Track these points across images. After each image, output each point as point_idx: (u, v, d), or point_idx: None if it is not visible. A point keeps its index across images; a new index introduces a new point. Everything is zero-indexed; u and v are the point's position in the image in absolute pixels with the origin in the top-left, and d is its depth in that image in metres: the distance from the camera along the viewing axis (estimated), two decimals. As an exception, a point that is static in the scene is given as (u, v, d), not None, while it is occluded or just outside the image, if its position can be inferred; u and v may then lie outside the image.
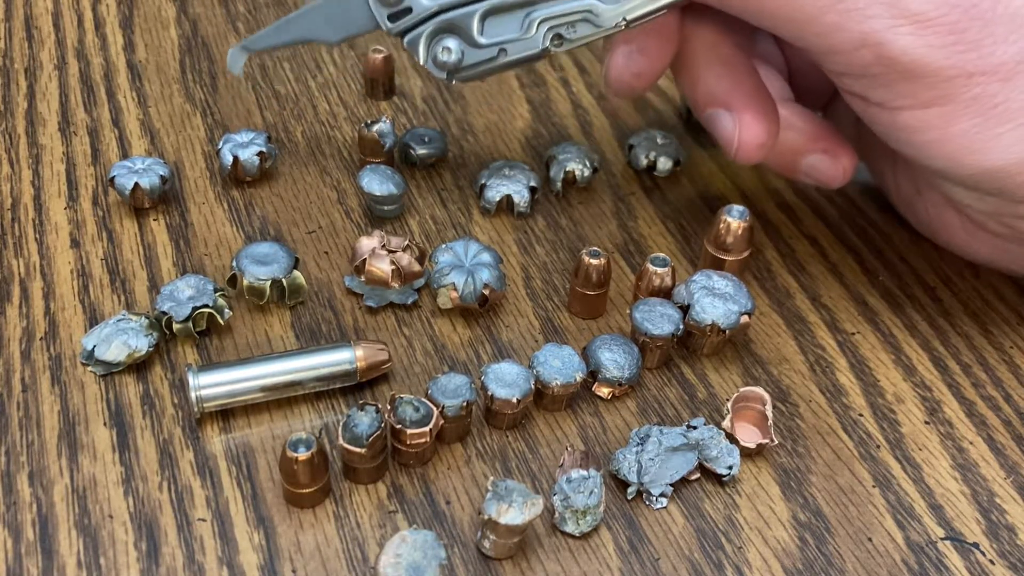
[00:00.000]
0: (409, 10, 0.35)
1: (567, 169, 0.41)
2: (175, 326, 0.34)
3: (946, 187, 0.34)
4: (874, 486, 0.33)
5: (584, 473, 0.30)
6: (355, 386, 0.34)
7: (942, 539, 0.31)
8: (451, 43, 0.35)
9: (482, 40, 0.35)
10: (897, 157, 0.37)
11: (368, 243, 0.37)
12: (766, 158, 0.36)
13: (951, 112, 0.30)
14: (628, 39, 0.35)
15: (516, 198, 0.40)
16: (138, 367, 0.34)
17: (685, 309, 0.35)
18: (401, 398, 0.31)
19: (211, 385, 0.32)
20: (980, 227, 0.35)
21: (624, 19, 0.33)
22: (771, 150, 0.35)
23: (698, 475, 0.32)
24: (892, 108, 0.31)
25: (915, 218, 0.38)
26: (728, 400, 0.33)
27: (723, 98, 0.35)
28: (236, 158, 0.40)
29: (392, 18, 0.36)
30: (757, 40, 0.39)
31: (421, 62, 0.36)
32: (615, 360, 0.33)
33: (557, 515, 0.30)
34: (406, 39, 0.36)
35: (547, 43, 0.34)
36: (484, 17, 0.35)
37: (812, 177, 0.37)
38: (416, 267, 0.37)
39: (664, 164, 0.42)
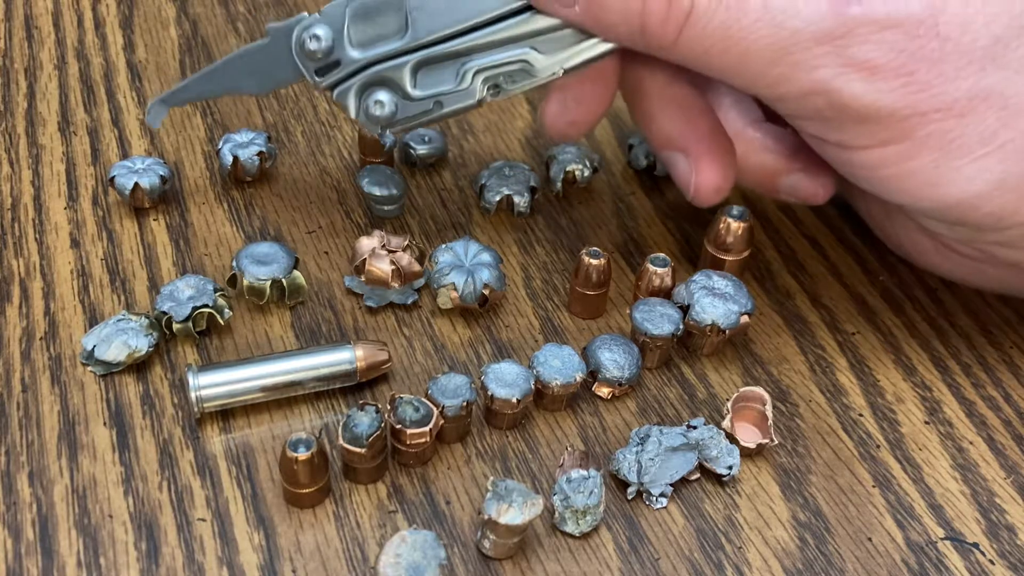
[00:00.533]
0: (337, 63, 0.34)
1: (567, 169, 0.41)
2: (175, 326, 0.34)
3: (915, 216, 0.34)
4: (874, 486, 0.33)
5: (584, 473, 0.30)
6: (355, 386, 0.34)
7: (942, 539, 0.31)
8: (383, 96, 0.34)
9: (416, 93, 0.33)
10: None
11: (368, 243, 0.37)
12: (725, 197, 0.35)
13: (908, 149, 0.30)
14: (563, 87, 0.34)
15: (516, 198, 0.40)
16: (138, 367, 0.34)
17: (685, 309, 0.35)
18: (401, 398, 0.31)
19: (211, 385, 0.32)
20: (953, 251, 0.35)
21: (562, 67, 0.32)
22: (727, 192, 0.35)
23: (698, 475, 0.32)
24: (849, 148, 0.31)
25: (889, 241, 0.38)
26: (728, 400, 0.33)
27: (678, 141, 0.34)
28: (236, 158, 0.40)
29: (319, 72, 0.34)
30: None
31: (352, 116, 0.34)
32: (615, 360, 0.33)
33: (557, 515, 0.30)
34: (335, 93, 0.34)
35: (484, 93, 0.33)
36: (416, 69, 0.33)
37: (793, 196, 0.37)
38: (416, 267, 0.37)
39: (664, 164, 0.42)
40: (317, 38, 0.33)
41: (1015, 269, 0.34)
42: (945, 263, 0.36)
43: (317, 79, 0.34)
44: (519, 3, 0.32)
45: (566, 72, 0.33)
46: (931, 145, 0.30)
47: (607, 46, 0.32)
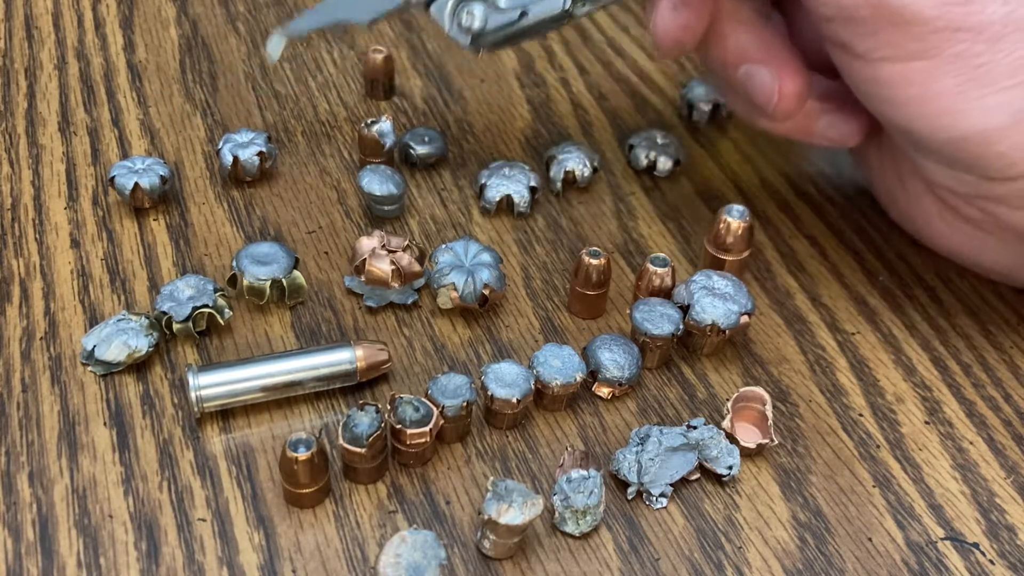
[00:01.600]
0: None
1: (567, 169, 0.41)
2: (175, 326, 0.34)
3: (925, 167, 0.34)
4: (874, 486, 0.33)
5: (584, 473, 0.30)
6: (355, 386, 0.34)
7: (942, 539, 0.31)
8: (475, 8, 0.35)
9: (504, 2, 0.35)
10: (882, 141, 0.37)
11: (368, 243, 0.37)
12: (799, 112, 0.35)
13: (934, 68, 0.30)
14: None
15: (516, 198, 0.40)
16: (138, 367, 0.34)
17: (685, 309, 0.35)
18: (401, 398, 0.31)
19: (211, 385, 0.32)
20: (957, 214, 0.35)
21: None
22: (804, 104, 0.35)
23: (698, 475, 0.32)
24: (874, 60, 0.31)
25: (895, 208, 0.38)
26: (728, 400, 0.33)
27: (757, 54, 0.35)
28: (236, 158, 0.40)
29: None
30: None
31: (446, 30, 0.36)
32: (615, 360, 0.33)
33: (557, 515, 0.30)
34: (432, 7, 0.36)
35: (567, 3, 0.34)
36: None
37: (828, 138, 0.37)
38: (416, 267, 0.37)
39: (664, 164, 0.42)
40: None
41: (1016, 237, 0.34)
42: (947, 232, 0.36)
43: None
44: None
45: None
46: (957, 67, 0.30)
47: None
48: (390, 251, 0.36)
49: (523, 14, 0.35)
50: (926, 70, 0.30)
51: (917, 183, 0.36)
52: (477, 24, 0.35)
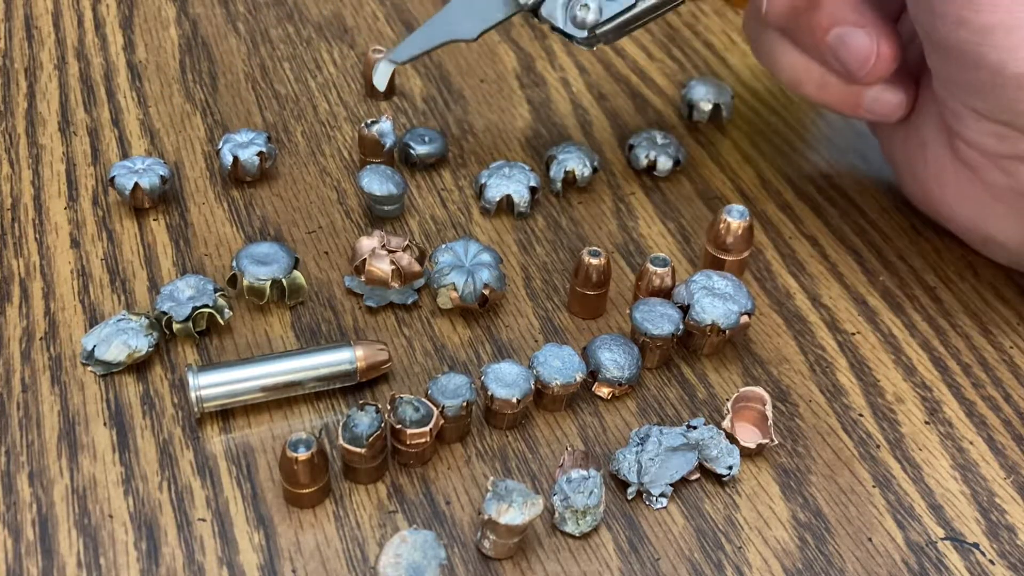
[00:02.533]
0: None
1: (567, 169, 0.41)
2: (175, 326, 0.34)
3: (965, 120, 0.34)
4: (874, 486, 0.33)
5: (584, 473, 0.30)
6: (355, 386, 0.34)
7: (942, 539, 0.31)
8: (588, 0, 0.35)
9: None
10: (921, 102, 0.37)
11: (368, 243, 0.37)
12: (890, 74, 0.36)
13: None
14: None
15: (516, 198, 0.40)
16: (138, 367, 0.34)
17: (685, 309, 0.35)
18: (401, 398, 0.31)
19: (211, 385, 0.32)
20: (976, 181, 0.35)
21: None
22: (897, 65, 0.35)
23: (698, 475, 0.32)
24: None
25: (910, 176, 0.38)
26: (728, 400, 0.33)
27: (852, 16, 0.35)
28: (236, 158, 0.40)
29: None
30: None
31: (560, 25, 0.36)
32: (615, 360, 0.33)
33: (557, 515, 0.30)
34: (542, 8, 0.36)
35: None
36: None
37: (874, 112, 0.37)
38: (416, 267, 0.37)
39: (664, 164, 0.42)
40: None
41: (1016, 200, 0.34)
42: (959, 201, 0.36)
43: (523, 1, 0.36)
44: None
45: None
46: None
47: None
48: (390, 251, 0.36)
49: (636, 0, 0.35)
50: None
51: (940, 147, 0.36)
52: (591, 17, 0.35)
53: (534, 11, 0.36)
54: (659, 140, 0.43)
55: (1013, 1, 0.30)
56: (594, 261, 0.36)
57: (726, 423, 0.33)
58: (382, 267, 0.36)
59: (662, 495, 0.31)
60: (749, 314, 0.34)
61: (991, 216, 0.36)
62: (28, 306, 0.36)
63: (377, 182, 0.39)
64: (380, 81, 0.39)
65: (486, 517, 0.28)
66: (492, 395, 0.32)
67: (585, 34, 0.36)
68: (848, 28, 0.35)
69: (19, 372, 0.34)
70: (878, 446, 0.34)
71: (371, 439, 0.30)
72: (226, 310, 0.35)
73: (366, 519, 0.31)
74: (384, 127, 0.41)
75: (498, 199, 0.40)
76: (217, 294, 0.35)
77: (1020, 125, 0.32)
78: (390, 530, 0.30)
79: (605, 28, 0.36)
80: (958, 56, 0.32)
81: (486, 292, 0.35)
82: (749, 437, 0.33)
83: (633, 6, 0.35)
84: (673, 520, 0.31)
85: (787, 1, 0.35)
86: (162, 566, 0.29)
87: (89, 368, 0.34)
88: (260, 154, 0.40)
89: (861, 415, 0.35)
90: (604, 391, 0.34)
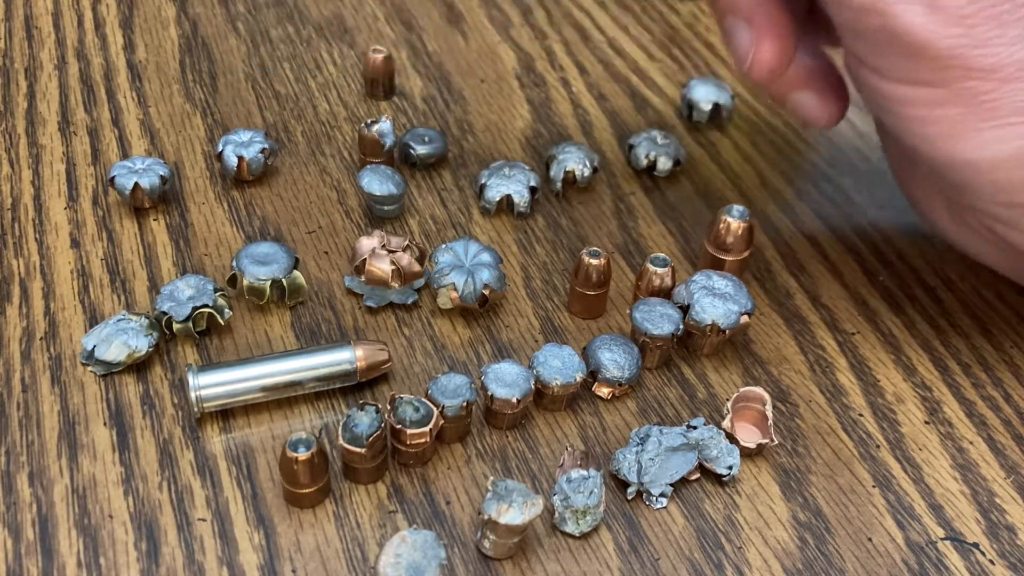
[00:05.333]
0: None
1: (567, 169, 0.41)
2: (175, 326, 0.34)
3: (930, 174, 0.34)
4: (874, 486, 0.33)
5: (584, 473, 0.30)
6: (355, 386, 0.34)
7: (942, 539, 0.31)
8: None
9: None
10: None
11: (368, 243, 0.37)
12: (771, 82, 0.35)
13: (941, 96, 0.30)
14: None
15: (516, 198, 0.40)
16: (138, 367, 0.34)
17: (685, 309, 0.35)
18: (401, 398, 0.31)
19: (211, 385, 0.32)
20: (963, 219, 0.35)
21: None
22: (781, 74, 0.34)
23: (698, 475, 0.32)
24: (884, 77, 0.31)
25: (912, 200, 0.38)
26: (728, 400, 0.33)
27: (745, 10, 0.34)
28: (241, 158, 0.40)
29: None
30: None
31: None
32: (615, 360, 0.33)
33: (557, 515, 0.30)
34: None
35: None
36: None
37: (798, 114, 0.36)
38: (416, 267, 0.37)
39: (664, 164, 0.42)
40: None
41: (1011, 250, 0.34)
42: (956, 230, 0.35)
43: None
44: None
45: None
46: (964, 99, 0.29)
47: None
48: (390, 251, 0.36)
49: None
50: (932, 96, 0.30)
51: (929, 182, 0.35)
52: None
53: None
54: (659, 140, 0.43)
55: (931, 100, 0.30)
56: (594, 261, 0.36)
57: (726, 423, 0.33)
58: (382, 267, 0.36)
59: (662, 495, 0.31)
60: (749, 314, 0.34)
61: (984, 249, 0.36)
62: (28, 306, 0.36)
63: (377, 182, 0.39)
64: None
65: (486, 517, 0.28)
66: (492, 395, 0.32)
67: None
68: (736, 20, 0.34)
69: (19, 372, 0.34)
70: (878, 446, 0.34)
71: (371, 439, 0.30)
72: (226, 310, 0.35)
73: (366, 519, 0.31)
74: (384, 127, 0.41)
75: (498, 199, 0.40)
76: (217, 294, 0.35)
77: (966, 194, 0.32)
78: (390, 530, 0.30)
79: None
80: (888, 132, 0.33)
81: (486, 292, 0.35)
82: (749, 437, 0.33)
83: None
84: (673, 520, 0.31)
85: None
86: (162, 566, 0.29)
87: (89, 368, 0.34)
88: (264, 151, 0.40)
89: (861, 415, 0.35)
90: (604, 391, 0.34)
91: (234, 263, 0.35)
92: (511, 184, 0.40)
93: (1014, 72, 0.29)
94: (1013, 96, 0.29)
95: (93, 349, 0.33)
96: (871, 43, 0.30)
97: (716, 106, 0.45)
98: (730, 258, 0.38)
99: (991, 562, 0.31)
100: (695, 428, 0.32)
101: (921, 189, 0.36)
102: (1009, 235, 0.33)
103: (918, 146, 0.31)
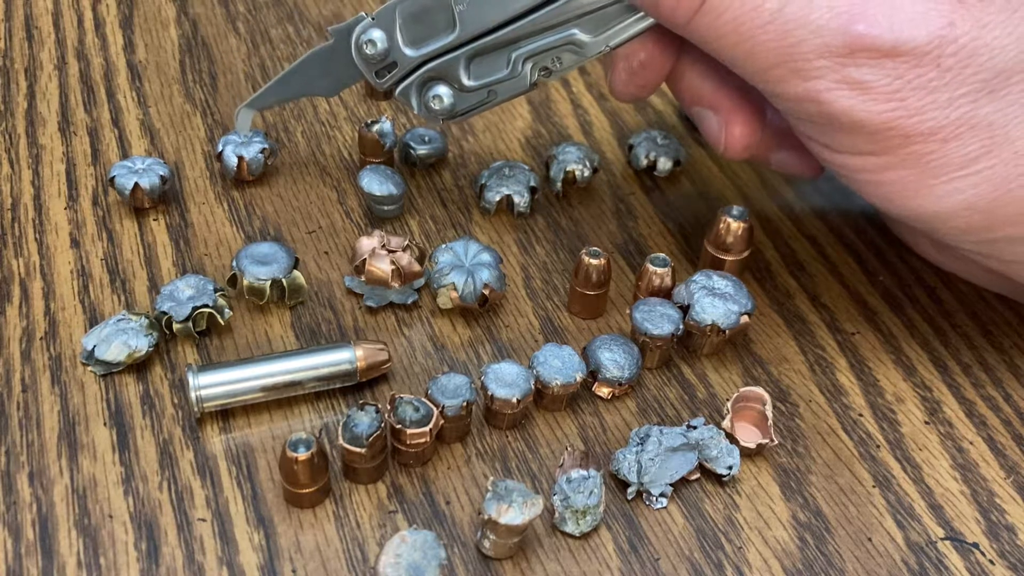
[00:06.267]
0: (394, 64, 0.36)
1: (567, 169, 0.41)
2: (175, 326, 0.34)
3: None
4: (874, 486, 0.33)
5: (584, 473, 0.30)
6: (355, 386, 0.34)
7: (942, 539, 0.31)
8: (441, 90, 0.36)
9: (471, 84, 0.36)
10: None
11: (368, 243, 0.37)
12: (752, 153, 0.36)
13: (887, 162, 0.31)
14: (627, 55, 0.34)
15: (516, 198, 0.40)
16: (138, 367, 0.34)
17: (685, 309, 0.35)
18: (401, 398, 0.31)
19: (211, 385, 0.32)
20: (945, 247, 0.36)
21: (607, 45, 0.34)
22: (755, 149, 0.35)
23: (698, 475, 0.32)
24: (833, 150, 0.32)
25: (899, 235, 0.39)
26: (728, 400, 0.33)
27: (708, 99, 0.35)
28: (241, 158, 0.40)
29: (379, 74, 0.36)
30: None
31: (415, 111, 0.37)
32: (615, 360, 0.33)
33: (557, 515, 0.30)
34: (397, 91, 0.36)
35: (535, 77, 0.35)
36: (469, 61, 0.35)
37: (784, 170, 0.38)
38: (416, 267, 0.37)
39: (664, 164, 0.42)
40: (373, 43, 0.36)
41: (996, 275, 0.35)
42: (941, 257, 0.37)
43: (378, 80, 0.36)
44: None
45: (612, 49, 0.34)
46: (910, 162, 0.30)
47: (650, 20, 0.33)
48: (390, 251, 0.36)
49: (491, 92, 0.36)
50: (880, 163, 0.31)
51: (908, 225, 0.36)
52: (446, 106, 0.36)
53: (387, 95, 0.37)
54: (659, 140, 0.43)
55: (878, 167, 0.31)
56: (594, 261, 0.36)
57: (726, 423, 0.33)
58: (382, 267, 0.36)
59: (662, 495, 0.31)
60: (749, 314, 0.34)
61: (968, 272, 0.37)
62: (28, 306, 0.36)
63: (377, 182, 0.39)
64: (242, 125, 0.40)
65: (486, 517, 0.28)
66: (492, 395, 0.32)
67: (440, 121, 0.37)
68: (702, 109, 0.35)
69: (19, 372, 0.34)
70: (878, 446, 0.34)
71: (371, 439, 0.30)
72: (226, 310, 0.35)
73: (366, 519, 0.31)
74: (384, 127, 0.41)
75: (498, 199, 0.40)
76: (217, 294, 0.35)
77: (936, 234, 0.33)
78: (390, 530, 0.30)
79: (460, 117, 0.37)
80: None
81: (486, 292, 0.35)
82: (749, 437, 0.33)
83: (486, 100, 0.36)
84: (673, 520, 0.31)
85: (629, 96, 0.35)
86: (162, 566, 0.29)
87: (89, 368, 0.34)
88: (264, 151, 0.40)
89: (861, 415, 0.35)
90: (604, 391, 0.34)
91: (234, 263, 0.35)
92: (511, 184, 0.40)
93: (953, 131, 0.30)
94: (956, 152, 0.30)
95: (93, 349, 0.33)
96: (814, 125, 0.31)
97: (716, 106, 0.45)
98: (730, 258, 0.38)
99: (991, 562, 0.31)
100: (695, 428, 0.32)
101: (903, 227, 0.38)
102: (990, 264, 0.34)
103: (878, 205, 0.33)
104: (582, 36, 0.34)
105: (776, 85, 0.31)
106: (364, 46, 0.36)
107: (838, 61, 0.29)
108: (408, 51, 0.35)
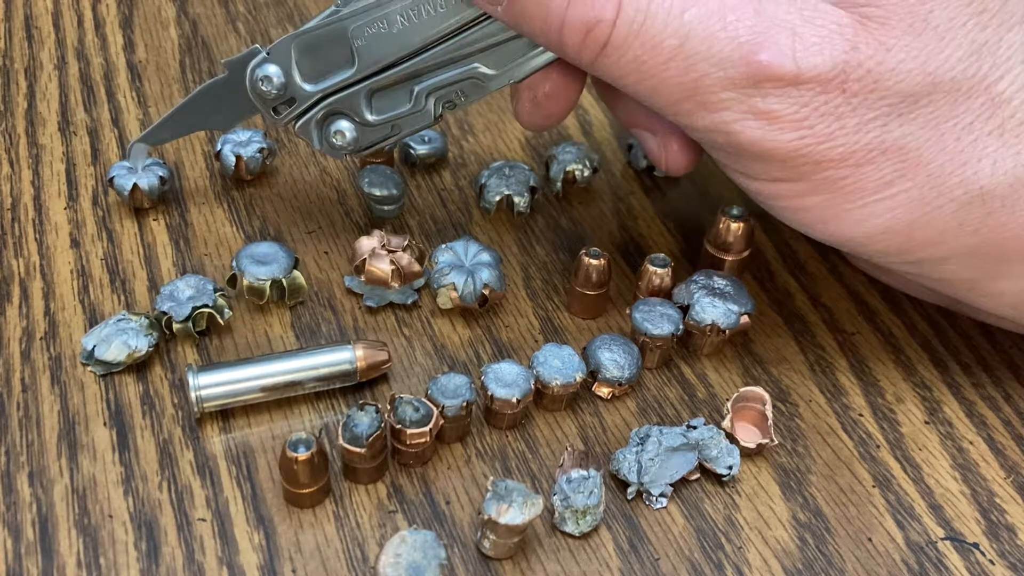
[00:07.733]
0: (293, 100, 0.35)
1: (567, 169, 0.41)
2: (175, 326, 0.34)
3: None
4: (874, 486, 0.33)
5: (584, 473, 0.30)
6: (355, 386, 0.34)
7: (942, 539, 0.31)
8: (343, 125, 0.35)
9: (373, 119, 0.34)
10: None
11: (368, 243, 0.37)
12: (691, 169, 0.35)
13: (801, 188, 0.30)
14: (531, 85, 0.34)
15: (516, 198, 0.40)
16: (138, 367, 0.34)
17: (685, 309, 0.35)
18: (401, 398, 0.31)
19: (211, 385, 0.32)
20: (887, 272, 0.36)
21: (511, 78, 0.33)
22: (696, 163, 0.35)
23: (698, 475, 0.32)
24: (748, 177, 0.32)
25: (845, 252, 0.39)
26: (728, 400, 0.33)
27: (644, 123, 0.34)
28: (239, 157, 0.40)
29: (276, 111, 0.35)
30: None
31: (316, 148, 0.36)
32: (615, 360, 0.33)
33: (557, 515, 0.30)
34: (296, 127, 0.35)
35: (439, 111, 0.34)
36: (370, 96, 0.34)
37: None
38: (416, 267, 0.37)
39: (664, 164, 0.42)
40: (268, 79, 0.34)
41: (929, 290, 0.35)
42: (879, 274, 0.37)
43: (276, 116, 0.35)
44: (455, 24, 0.32)
45: (516, 82, 0.33)
46: (824, 188, 0.30)
47: (553, 55, 0.33)
48: (390, 251, 0.36)
49: (394, 126, 0.35)
50: (794, 189, 0.31)
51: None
52: (348, 141, 0.35)
53: (293, 123, 0.35)
54: (659, 140, 0.43)
55: (793, 192, 0.31)
56: (594, 261, 0.36)
57: (726, 423, 0.33)
58: (382, 267, 0.36)
59: (662, 495, 0.31)
60: (749, 314, 0.34)
61: (911, 289, 0.37)
62: (28, 306, 0.36)
63: (377, 182, 0.39)
64: (136, 160, 0.38)
65: (486, 517, 0.28)
66: (492, 395, 0.32)
67: (342, 156, 0.36)
68: (641, 131, 0.35)
69: (19, 372, 0.34)
70: (878, 446, 0.34)
71: (371, 439, 0.30)
72: (226, 310, 0.35)
73: (366, 519, 0.31)
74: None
75: (498, 199, 0.40)
76: (217, 294, 0.35)
77: (858, 255, 0.33)
78: (390, 530, 0.30)
79: (363, 153, 0.36)
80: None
81: (486, 292, 0.35)
82: (749, 437, 0.33)
83: (390, 135, 0.35)
84: (673, 520, 0.31)
85: (535, 126, 0.35)
86: (162, 566, 0.29)
87: (89, 368, 0.34)
88: (262, 150, 0.40)
89: (861, 415, 0.35)
90: (604, 391, 0.34)
91: (234, 263, 0.35)
92: (511, 184, 0.40)
93: (864, 156, 0.29)
94: (870, 176, 0.30)
95: (93, 349, 0.33)
96: (726, 154, 0.31)
97: (716, 106, 0.45)
98: (730, 258, 0.38)
99: (991, 562, 0.31)
100: (695, 428, 0.32)
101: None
102: (923, 282, 0.34)
103: (799, 229, 0.32)
104: (485, 70, 0.33)
105: (685, 118, 0.30)
106: (259, 83, 0.34)
107: (743, 92, 0.29)
108: (306, 86, 0.34)
